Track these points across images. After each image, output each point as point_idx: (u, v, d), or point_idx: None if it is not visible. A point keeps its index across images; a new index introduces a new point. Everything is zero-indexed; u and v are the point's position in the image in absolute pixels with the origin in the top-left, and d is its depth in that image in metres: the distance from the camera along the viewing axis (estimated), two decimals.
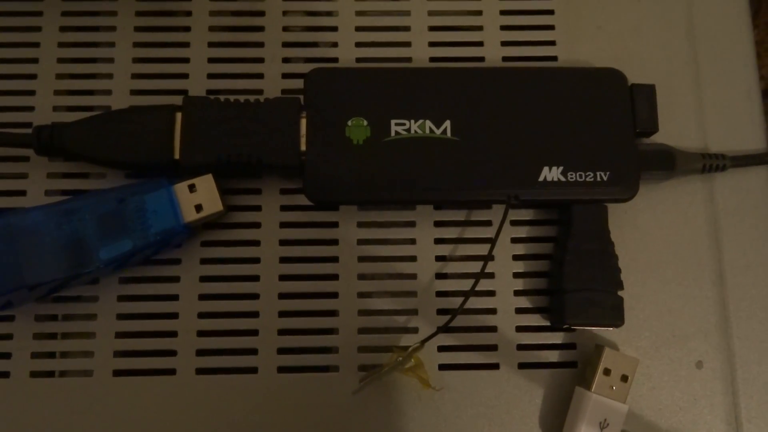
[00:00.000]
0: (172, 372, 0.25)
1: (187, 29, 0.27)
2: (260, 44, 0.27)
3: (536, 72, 0.26)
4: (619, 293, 0.24)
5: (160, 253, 0.25)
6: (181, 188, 0.24)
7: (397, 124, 0.25)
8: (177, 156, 0.24)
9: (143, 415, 0.24)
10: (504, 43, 0.28)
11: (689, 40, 0.28)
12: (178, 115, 0.24)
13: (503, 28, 0.28)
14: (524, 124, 0.25)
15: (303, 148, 0.24)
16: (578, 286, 0.24)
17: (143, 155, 0.24)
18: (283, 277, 0.25)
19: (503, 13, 0.28)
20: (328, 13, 0.28)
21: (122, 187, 0.24)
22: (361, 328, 0.25)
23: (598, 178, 0.25)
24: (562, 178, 0.25)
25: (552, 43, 0.28)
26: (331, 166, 0.24)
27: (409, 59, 0.27)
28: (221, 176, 0.25)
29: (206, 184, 0.24)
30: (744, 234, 0.26)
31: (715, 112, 0.27)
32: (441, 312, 0.25)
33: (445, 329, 0.24)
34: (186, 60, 0.27)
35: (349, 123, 0.25)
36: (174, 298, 0.25)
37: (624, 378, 0.24)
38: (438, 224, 0.26)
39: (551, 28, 0.28)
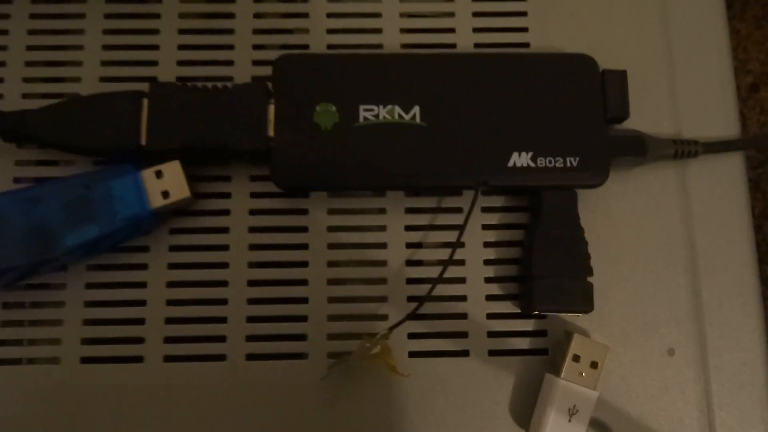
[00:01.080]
0: (139, 359, 0.24)
1: (156, 16, 0.27)
2: (230, 31, 0.27)
3: (506, 57, 0.25)
4: (589, 279, 0.24)
5: (128, 241, 0.25)
6: (147, 174, 0.24)
7: (365, 110, 0.25)
8: (143, 142, 0.24)
9: (111, 403, 0.24)
10: (476, 30, 0.27)
11: (663, 26, 0.28)
12: (145, 101, 0.24)
13: (475, 14, 0.28)
14: (494, 110, 0.25)
15: (271, 133, 0.24)
16: (547, 273, 0.24)
17: (109, 141, 0.24)
18: (252, 264, 0.25)
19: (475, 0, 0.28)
20: (300, 0, 0.28)
21: (88, 173, 0.24)
22: (331, 315, 0.25)
23: (568, 164, 0.24)
24: (532, 164, 0.24)
25: (524, 29, 0.27)
26: (298, 151, 0.24)
27: (380, 46, 0.27)
28: (189, 163, 0.25)
29: (173, 170, 0.24)
30: (716, 220, 0.26)
31: (688, 99, 0.27)
32: (411, 299, 0.25)
33: (413, 316, 0.24)
34: (156, 47, 0.27)
35: (318, 109, 0.24)
36: (142, 285, 0.25)
37: (594, 365, 0.24)
38: (409, 211, 0.26)
39: (524, 14, 0.28)
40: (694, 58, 0.28)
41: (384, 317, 0.25)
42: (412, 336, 0.25)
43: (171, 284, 0.25)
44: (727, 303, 0.26)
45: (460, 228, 0.25)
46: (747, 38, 0.63)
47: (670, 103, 0.27)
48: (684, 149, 0.26)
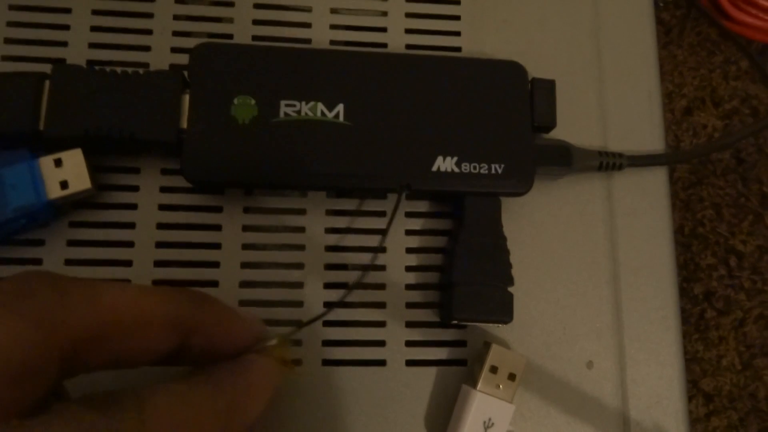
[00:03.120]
0: None
1: None
2: (149, 15, 0.26)
3: (435, 60, 0.25)
4: (510, 289, 0.24)
5: (22, 233, 0.23)
6: (45, 162, 0.22)
7: (286, 105, 0.23)
8: (42, 126, 0.22)
9: None
10: (408, 31, 0.27)
11: (594, 38, 0.28)
12: (47, 83, 0.22)
13: (408, 15, 0.27)
14: (420, 113, 0.24)
15: (184, 125, 0.23)
16: (467, 281, 0.23)
17: (4, 124, 0.22)
18: (158, 263, 0.24)
19: (409, 0, 0.27)
20: None
21: None
22: None
23: (493, 171, 0.24)
24: (456, 169, 0.24)
25: (457, 33, 0.27)
26: (212, 145, 0.23)
27: (308, 41, 0.26)
28: (96, 152, 0.23)
29: (74, 159, 0.22)
30: (639, 234, 0.26)
31: (615, 111, 0.27)
32: (328, 305, 0.24)
33: (326, 322, 0.23)
34: (66, 27, 0.25)
35: (236, 101, 0.23)
36: None
37: (511, 376, 0.23)
38: (330, 213, 0.25)
39: (457, 18, 0.27)
40: (623, 71, 0.28)
41: (297, 324, 0.24)
42: (326, 343, 0.24)
43: None
44: (647, 317, 0.26)
45: (383, 232, 0.24)
46: (683, 63, 0.65)
47: (598, 115, 0.27)
48: (609, 161, 0.26)
